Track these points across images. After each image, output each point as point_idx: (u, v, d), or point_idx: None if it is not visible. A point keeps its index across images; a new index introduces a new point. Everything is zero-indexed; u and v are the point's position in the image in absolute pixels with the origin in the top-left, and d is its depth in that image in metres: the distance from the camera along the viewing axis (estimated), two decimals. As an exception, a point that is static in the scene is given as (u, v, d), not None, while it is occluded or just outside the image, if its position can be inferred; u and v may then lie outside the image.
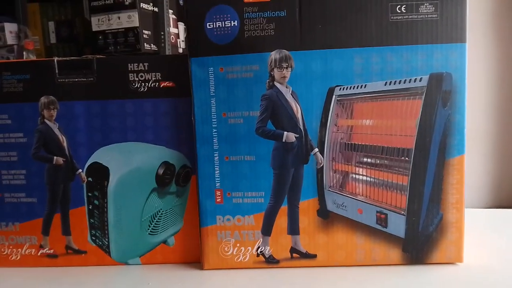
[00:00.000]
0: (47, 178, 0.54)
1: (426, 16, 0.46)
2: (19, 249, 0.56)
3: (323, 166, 0.50)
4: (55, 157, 0.53)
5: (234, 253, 0.52)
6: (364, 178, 0.50)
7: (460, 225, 0.49)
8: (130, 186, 0.53)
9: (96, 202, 0.54)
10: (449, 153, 0.48)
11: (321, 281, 0.48)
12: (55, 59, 0.52)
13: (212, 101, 0.49)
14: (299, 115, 0.49)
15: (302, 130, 0.49)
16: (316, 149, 0.50)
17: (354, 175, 0.51)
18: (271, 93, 0.49)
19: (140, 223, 0.54)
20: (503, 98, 0.96)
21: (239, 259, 0.52)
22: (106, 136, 0.53)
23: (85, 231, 0.55)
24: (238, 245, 0.52)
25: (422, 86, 0.47)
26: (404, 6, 0.46)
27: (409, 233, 0.49)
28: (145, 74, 0.52)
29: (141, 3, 0.99)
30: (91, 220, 0.55)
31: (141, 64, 0.52)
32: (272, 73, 0.48)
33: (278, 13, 0.47)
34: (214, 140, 0.50)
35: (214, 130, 0.50)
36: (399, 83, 0.47)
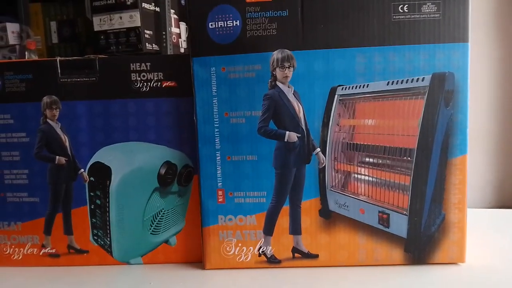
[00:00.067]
0: (49, 178, 0.54)
1: (429, 16, 0.46)
2: (21, 249, 0.56)
3: (325, 166, 0.50)
4: (57, 157, 0.53)
5: (236, 253, 0.52)
6: (366, 178, 0.50)
7: (462, 225, 0.49)
8: (132, 186, 0.53)
9: (98, 201, 0.54)
10: (451, 153, 0.48)
11: (323, 281, 0.48)
12: (58, 59, 0.52)
13: (214, 101, 0.49)
14: (301, 115, 0.49)
15: (304, 130, 0.49)
16: (318, 149, 0.50)
17: (356, 175, 0.50)
18: (273, 93, 0.49)
19: (142, 223, 0.54)
20: (506, 98, 0.96)
21: (241, 259, 0.52)
22: (108, 135, 0.53)
23: (87, 231, 0.55)
24: (240, 245, 0.52)
25: (424, 86, 0.47)
26: (407, 5, 0.46)
27: (411, 233, 0.49)
28: (147, 74, 0.52)
29: (143, 3, 0.99)
30: (93, 219, 0.55)
31: (143, 64, 0.52)
32: (274, 72, 0.48)
33: (280, 12, 0.47)
34: (216, 140, 0.50)
35: (216, 130, 0.50)
36: (401, 82, 0.47)
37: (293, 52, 0.48)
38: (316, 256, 0.51)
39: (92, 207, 0.54)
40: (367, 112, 0.49)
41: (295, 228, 0.51)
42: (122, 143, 0.53)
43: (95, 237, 0.55)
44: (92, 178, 0.54)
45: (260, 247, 0.51)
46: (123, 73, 0.52)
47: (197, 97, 0.50)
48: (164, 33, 1.06)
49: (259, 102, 0.49)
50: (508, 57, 0.94)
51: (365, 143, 0.49)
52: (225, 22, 0.48)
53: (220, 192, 0.51)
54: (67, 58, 0.52)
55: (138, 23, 0.99)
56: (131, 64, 0.52)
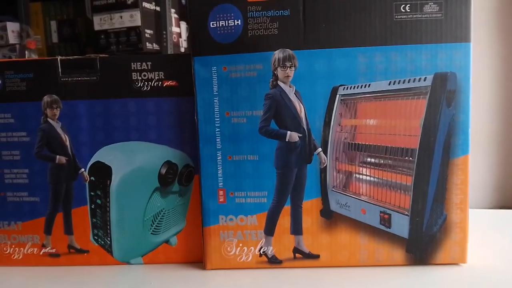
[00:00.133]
0: (50, 177, 0.54)
1: (431, 16, 0.46)
2: (21, 248, 0.55)
3: (326, 166, 0.50)
4: (57, 156, 0.53)
5: (237, 253, 0.52)
6: (368, 178, 0.50)
7: (464, 226, 0.49)
8: (132, 186, 0.53)
9: (98, 201, 0.54)
10: (453, 153, 0.48)
11: (324, 282, 0.48)
12: (58, 58, 0.52)
13: (215, 101, 0.49)
14: (302, 115, 0.49)
15: (306, 130, 0.49)
16: (320, 149, 0.49)
17: (357, 175, 0.50)
18: (275, 93, 0.48)
19: (143, 223, 0.54)
20: (508, 98, 0.96)
21: (242, 259, 0.52)
22: (109, 135, 0.53)
23: (87, 231, 0.55)
24: (240, 245, 0.51)
25: (426, 86, 0.47)
26: (409, 5, 0.46)
27: (412, 234, 0.49)
28: (148, 73, 0.52)
29: (143, 2, 0.99)
30: (93, 219, 0.54)
31: (144, 63, 0.51)
32: (275, 72, 0.48)
33: (281, 12, 0.47)
34: (217, 140, 0.50)
35: (217, 130, 0.50)
36: (403, 82, 0.47)
37: (294, 52, 0.47)
38: (317, 257, 0.51)
39: (93, 206, 0.54)
40: (368, 112, 0.49)
41: (296, 228, 0.51)
42: (122, 142, 0.53)
43: (96, 237, 0.55)
44: (92, 178, 0.53)
45: (261, 247, 0.51)
46: (124, 73, 0.52)
47: (198, 97, 0.49)
48: (164, 32, 1.06)
49: (260, 102, 0.49)
50: (510, 56, 0.94)
51: (367, 143, 0.49)
52: (227, 21, 0.47)
53: (221, 192, 0.51)
54: (68, 58, 0.52)
55: (139, 23, 0.99)
56: (132, 63, 0.51)
